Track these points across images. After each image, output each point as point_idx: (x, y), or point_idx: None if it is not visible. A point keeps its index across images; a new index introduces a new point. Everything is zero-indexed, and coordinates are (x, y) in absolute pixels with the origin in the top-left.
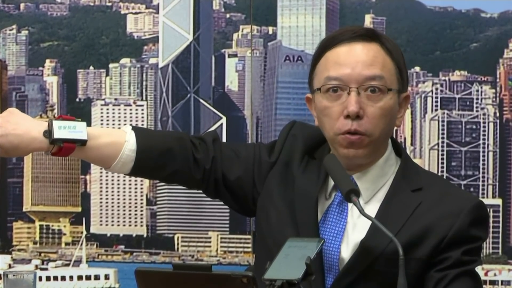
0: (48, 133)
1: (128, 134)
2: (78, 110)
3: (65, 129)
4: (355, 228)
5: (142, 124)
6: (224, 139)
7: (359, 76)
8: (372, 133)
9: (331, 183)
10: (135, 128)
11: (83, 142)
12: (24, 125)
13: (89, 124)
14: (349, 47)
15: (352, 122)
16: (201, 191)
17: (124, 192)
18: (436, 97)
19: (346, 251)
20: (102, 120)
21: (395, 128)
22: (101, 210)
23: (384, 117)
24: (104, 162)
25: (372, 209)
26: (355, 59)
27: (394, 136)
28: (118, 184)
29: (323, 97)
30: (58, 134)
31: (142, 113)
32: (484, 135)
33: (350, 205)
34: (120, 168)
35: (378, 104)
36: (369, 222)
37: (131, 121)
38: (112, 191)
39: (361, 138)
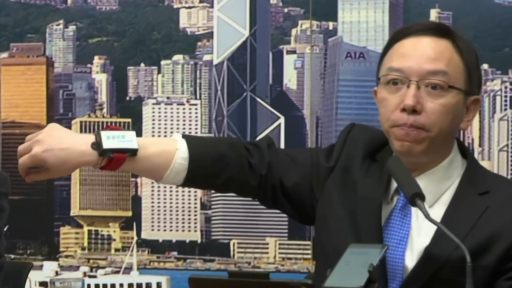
0: (96, 144)
1: (179, 142)
2: (128, 109)
3: (114, 139)
4: (419, 234)
5: (196, 124)
6: (282, 140)
7: (421, 69)
8: (430, 128)
9: (393, 186)
10: (185, 136)
11: (133, 152)
12: (69, 138)
13: (140, 124)
14: (417, 40)
15: (408, 116)
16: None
17: (177, 195)
18: (505, 96)
19: (411, 259)
20: (153, 119)
21: (460, 130)
22: (152, 214)
23: (445, 115)
24: (155, 173)
25: (437, 213)
26: (420, 52)
27: (461, 137)
28: (171, 187)
29: (383, 88)
30: (107, 144)
31: (196, 113)
32: None
33: (413, 209)
34: (172, 178)
35: (438, 101)
36: (434, 228)
37: (184, 121)
38: (164, 195)
39: (417, 131)
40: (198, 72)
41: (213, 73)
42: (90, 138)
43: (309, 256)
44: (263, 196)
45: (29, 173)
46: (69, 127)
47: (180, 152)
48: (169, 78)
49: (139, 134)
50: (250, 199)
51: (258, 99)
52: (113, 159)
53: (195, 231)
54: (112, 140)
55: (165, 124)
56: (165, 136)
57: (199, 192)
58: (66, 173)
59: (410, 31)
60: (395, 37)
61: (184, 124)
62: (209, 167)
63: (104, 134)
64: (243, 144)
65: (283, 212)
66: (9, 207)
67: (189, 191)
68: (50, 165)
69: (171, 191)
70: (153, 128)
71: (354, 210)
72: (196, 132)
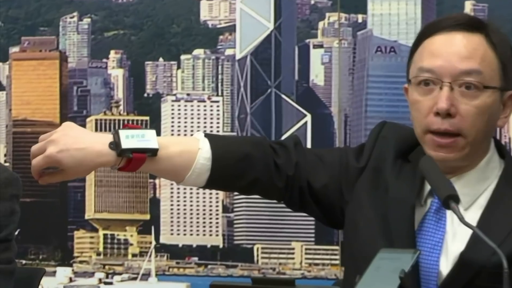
0: (115, 144)
1: (201, 141)
2: (146, 106)
3: (133, 138)
4: (455, 239)
5: (218, 122)
6: (309, 139)
7: (454, 69)
8: (467, 133)
9: (427, 188)
10: (208, 135)
11: (154, 152)
12: (85, 138)
13: (158, 122)
14: (448, 36)
15: (442, 120)
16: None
17: (197, 198)
18: None
19: (446, 265)
20: (173, 117)
21: (497, 128)
22: (172, 217)
23: (481, 116)
24: (176, 174)
25: (473, 216)
26: (452, 50)
27: (498, 136)
28: (191, 188)
29: (414, 90)
30: (126, 144)
31: (218, 110)
32: None
33: (449, 212)
34: (194, 180)
35: (473, 102)
36: (470, 232)
37: (205, 118)
38: (185, 197)
39: (455, 141)
40: (219, 67)
41: (236, 69)
42: (108, 137)
43: (337, 262)
44: (290, 198)
45: (43, 175)
46: (84, 126)
47: (203, 152)
48: (189, 73)
49: (157, 133)
50: (275, 201)
51: (283, 96)
52: (133, 160)
53: (217, 235)
54: (131, 139)
55: (185, 122)
56: (185, 135)
57: (221, 194)
58: (82, 174)
59: (440, 27)
60: (425, 33)
61: (205, 122)
62: (233, 168)
63: (122, 133)
64: (269, 143)
65: (311, 215)
66: (20, 210)
67: (211, 193)
68: (65, 166)
69: (191, 193)
70: (172, 126)
71: (386, 213)
72: (217, 131)
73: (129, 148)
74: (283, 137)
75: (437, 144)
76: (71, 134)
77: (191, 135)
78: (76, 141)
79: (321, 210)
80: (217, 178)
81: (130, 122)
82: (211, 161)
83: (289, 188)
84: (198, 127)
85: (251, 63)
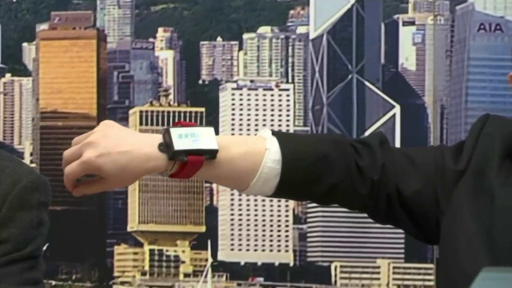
0: (165, 145)
1: (268, 140)
2: (201, 95)
3: (187, 138)
4: None
5: (288, 115)
6: (397, 135)
7: None
8: None
9: None
10: (276, 133)
11: (212, 154)
12: (129, 139)
13: (216, 115)
14: None
15: None
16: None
17: (263, 206)
18: None
19: None
20: (233, 109)
21: None
22: (232, 230)
23: None
24: (239, 180)
25: None
26: None
27: None
28: (255, 195)
29: None
30: (179, 145)
31: (288, 100)
32: None
33: None
34: (261, 186)
35: None
36: None
37: (272, 110)
38: (248, 205)
39: None
40: (290, 48)
41: (310, 50)
42: (156, 138)
43: (432, 283)
44: (375, 208)
45: (78, 184)
46: (126, 118)
47: (271, 153)
48: (254, 56)
49: (215, 127)
50: (357, 211)
51: (367, 83)
52: (188, 164)
53: (287, 251)
54: (185, 139)
55: (248, 115)
56: (248, 130)
57: (292, 202)
58: (127, 183)
59: None
60: None
61: (272, 115)
62: (307, 172)
63: (174, 132)
64: (349, 141)
65: (400, 227)
66: (49, 220)
67: (279, 200)
68: (106, 174)
69: (255, 200)
70: (232, 120)
71: (491, 225)
72: (287, 125)
73: (183, 150)
74: (367, 133)
75: None
76: (112, 135)
77: (256, 130)
78: (119, 143)
79: (413, 221)
80: (288, 185)
81: (182, 114)
82: (281, 164)
83: (374, 196)
84: (264, 120)
85: (328, 43)
